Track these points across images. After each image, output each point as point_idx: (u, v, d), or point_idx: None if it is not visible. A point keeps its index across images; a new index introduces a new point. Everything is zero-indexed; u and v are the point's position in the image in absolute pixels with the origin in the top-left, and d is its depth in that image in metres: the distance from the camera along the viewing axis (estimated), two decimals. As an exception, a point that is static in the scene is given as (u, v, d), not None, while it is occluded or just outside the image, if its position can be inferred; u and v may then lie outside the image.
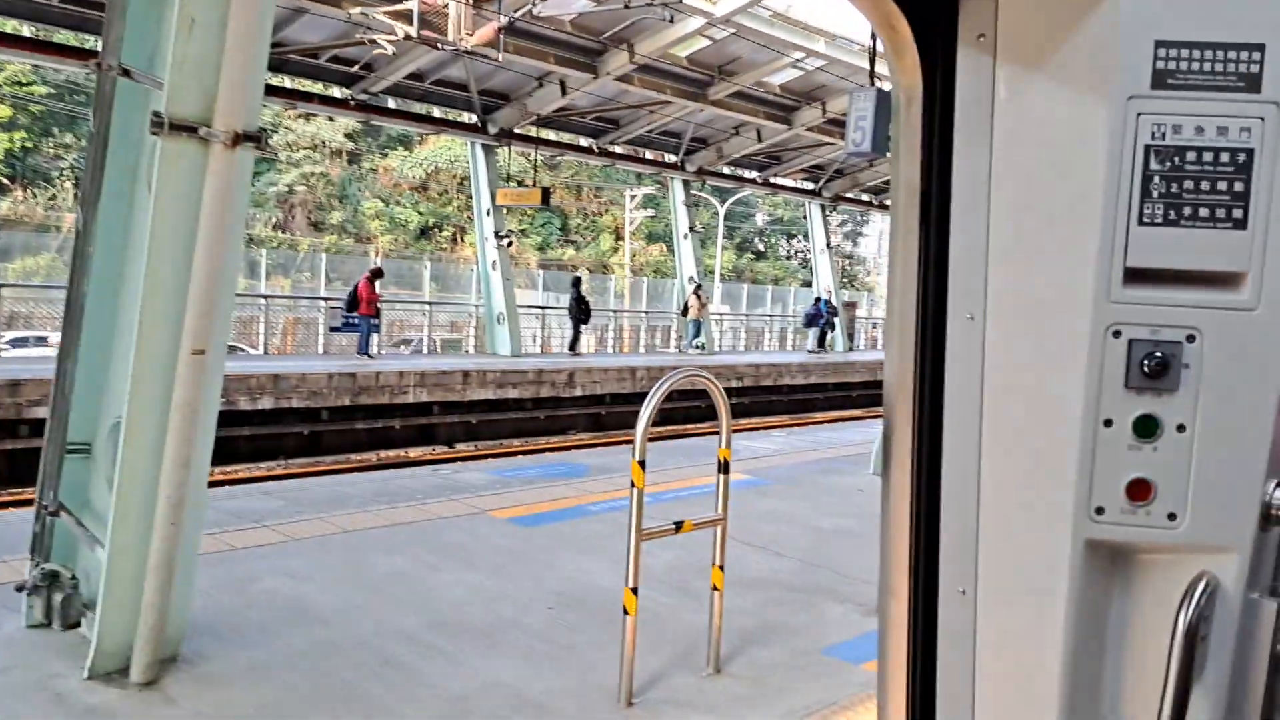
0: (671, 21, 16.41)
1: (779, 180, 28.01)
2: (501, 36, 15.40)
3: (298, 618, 4.91)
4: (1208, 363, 1.20)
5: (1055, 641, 1.26)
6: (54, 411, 4.65)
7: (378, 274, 19.72)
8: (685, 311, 25.10)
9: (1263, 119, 1.16)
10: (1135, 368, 1.21)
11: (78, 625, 4.51)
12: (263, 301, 22.76)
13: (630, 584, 4.10)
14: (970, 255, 1.32)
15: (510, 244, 21.59)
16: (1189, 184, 1.19)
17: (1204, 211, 1.18)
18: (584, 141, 22.68)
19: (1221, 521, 1.21)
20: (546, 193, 21.35)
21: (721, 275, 42.55)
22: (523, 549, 6.42)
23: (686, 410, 18.43)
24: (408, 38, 14.98)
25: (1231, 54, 1.16)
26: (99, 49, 4.49)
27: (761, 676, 4.52)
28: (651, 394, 4.13)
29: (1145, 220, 1.20)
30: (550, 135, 22.48)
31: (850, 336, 31.47)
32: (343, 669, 4.34)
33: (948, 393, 1.35)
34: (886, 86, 7.86)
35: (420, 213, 41.01)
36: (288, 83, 18.08)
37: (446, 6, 15.27)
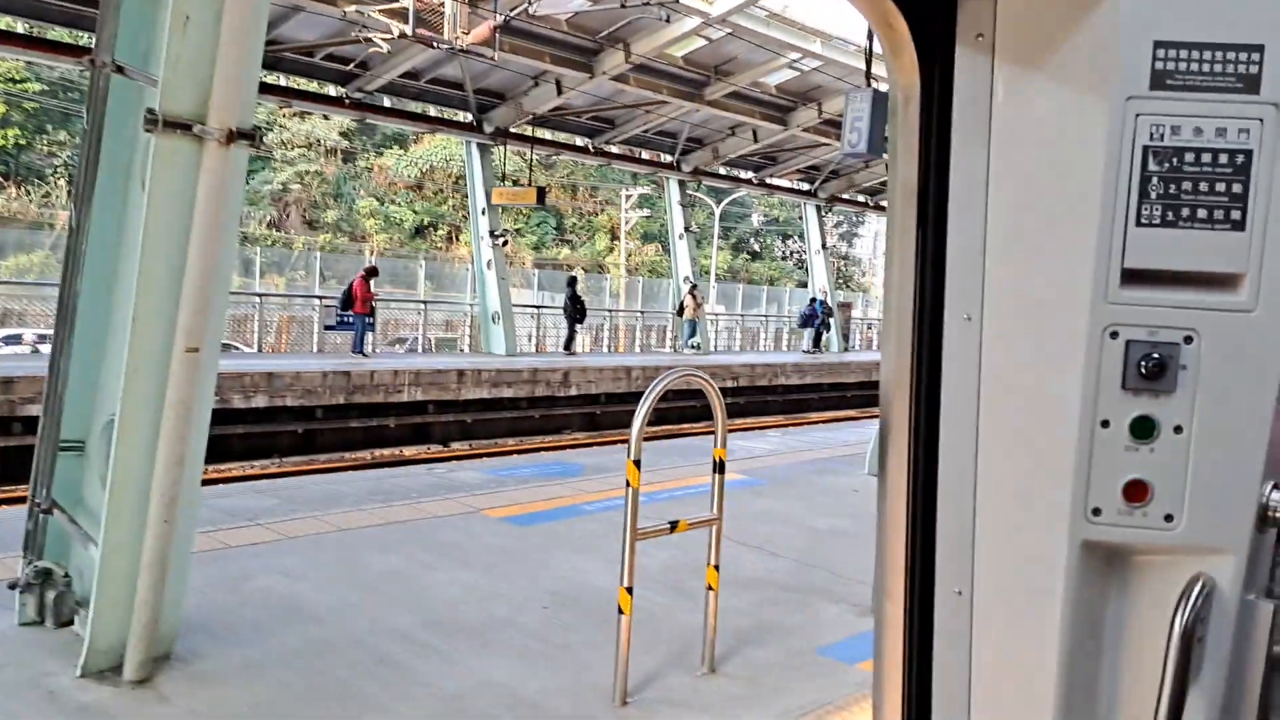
0: (668, 21, 16.41)
1: (775, 181, 28.02)
2: (497, 35, 15.37)
3: (292, 616, 4.90)
4: (1205, 364, 1.20)
5: (1052, 643, 1.26)
6: (47, 409, 4.63)
7: (372, 272, 19.68)
8: (681, 311, 25.09)
9: (1261, 120, 1.16)
10: (1132, 369, 1.21)
11: (71, 623, 4.49)
12: (257, 300, 22.69)
13: (625, 583, 4.10)
14: (968, 255, 1.31)
15: (505, 243, 21.58)
16: (1187, 185, 1.18)
17: (1202, 213, 1.18)
18: (580, 141, 22.66)
19: (1218, 523, 1.21)
20: (542, 192, 21.34)
21: (717, 275, 42.55)
22: (517, 548, 6.41)
23: (682, 410, 18.42)
24: (403, 36, 14.95)
25: (1230, 55, 1.16)
26: (93, 46, 4.47)
27: (756, 676, 4.52)
28: (647, 393, 4.12)
29: (1143, 221, 1.20)
30: (546, 135, 22.46)
31: (845, 337, 31.49)
32: (337, 667, 4.33)
33: (945, 393, 1.35)
34: (883, 87, 7.87)
35: (415, 211, 40.95)
36: (283, 81, 18.06)
37: (442, 5, 15.24)
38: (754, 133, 22.68)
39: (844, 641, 5.00)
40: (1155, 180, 1.19)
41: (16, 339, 19.74)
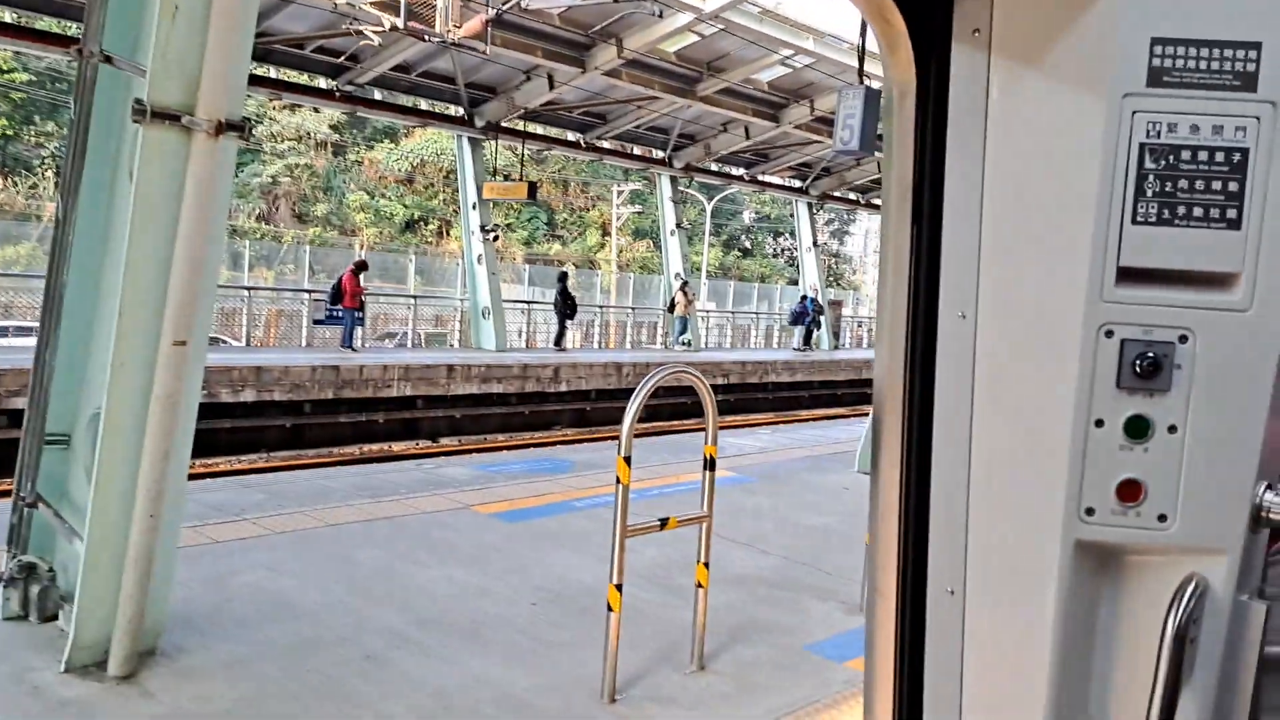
0: (660, 16, 16.38)
1: (766, 178, 28.02)
2: (489, 29, 15.33)
3: (278, 612, 4.88)
4: (1200, 364, 1.19)
5: (1044, 642, 1.25)
6: (32, 402, 4.60)
7: (362, 267, 19.62)
8: (672, 308, 25.09)
9: (1258, 118, 1.15)
10: (1127, 368, 1.20)
11: (55, 618, 4.46)
12: (246, 293, 22.60)
13: (615, 580, 4.09)
14: (962, 252, 1.31)
15: (496, 238, 21.53)
16: (1183, 183, 1.18)
17: (1198, 211, 1.18)
18: (571, 136, 22.61)
19: (1212, 523, 1.21)
20: (533, 187, 21.30)
21: (708, 272, 42.56)
22: (506, 544, 6.39)
23: (673, 407, 18.43)
24: (394, 29, 14.89)
25: (1228, 52, 1.15)
26: (81, 35, 4.43)
27: (745, 674, 4.52)
28: (638, 389, 4.11)
29: (1139, 219, 1.19)
30: (537, 129, 22.40)
31: (836, 335, 31.55)
32: (324, 664, 4.31)
33: (938, 391, 1.34)
34: (875, 85, 7.87)
35: (406, 206, 40.83)
36: (273, 73, 17.96)
37: (434, -2, 15.19)
38: (746, 129, 22.68)
39: (833, 639, 5.01)
40: (1151, 178, 1.18)
41: (3, 331, 19.61)
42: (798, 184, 28.66)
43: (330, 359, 16.33)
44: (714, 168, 26.08)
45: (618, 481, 4.07)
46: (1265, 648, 1.24)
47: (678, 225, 25.33)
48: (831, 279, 45.77)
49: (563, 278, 23.79)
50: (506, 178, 21.81)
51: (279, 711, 3.88)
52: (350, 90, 18.20)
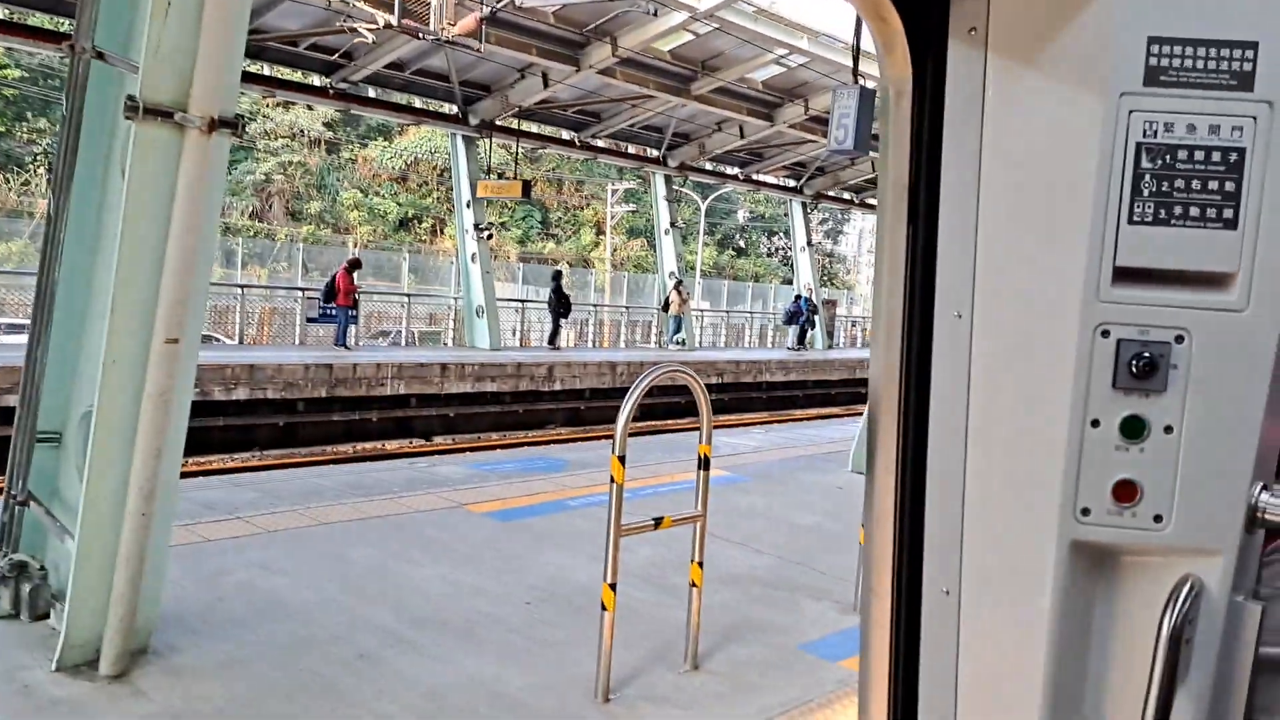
0: (655, 15, 16.36)
1: (761, 177, 28.03)
2: (483, 27, 15.29)
3: (271, 611, 4.86)
4: (1196, 364, 1.19)
5: (1039, 643, 1.25)
6: (24, 399, 4.57)
7: (356, 265, 19.59)
8: (666, 307, 25.09)
9: (1255, 118, 1.15)
10: (1123, 368, 1.20)
11: (46, 616, 4.44)
12: (239, 291, 22.54)
13: (609, 580, 4.08)
14: (958, 252, 1.30)
15: (490, 237, 21.50)
16: (1180, 183, 1.17)
17: (1195, 211, 1.17)
18: (566, 135, 22.58)
19: (1207, 524, 1.20)
20: (527, 185, 21.27)
21: (702, 271, 42.59)
22: (500, 543, 6.39)
23: (667, 406, 18.42)
24: (388, 26, 14.85)
25: (1224, 51, 1.15)
26: (73, 31, 4.41)
27: (739, 673, 4.52)
28: (633, 388, 4.11)
29: (1135, 219, 1.18)
30: (532, 128, 22.37)
31: (830, 334, 31.58)
32: (316, 663, 4.30)
33: (934, 391, 1.33)
34: (870, 84, 7.87)
35: (399, 204, 40.76)
36: (266, 70, 17.93)
37: (428, -4, 15.15)
38: (740, 128, 22.67)
39: (826, 638, 5.01)
40: (1148, 178, 1.18)
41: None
42: (792, 183, 28.67)
43: (323, 357, 16.29)
44: (708, 167, 26.08)
45: (612, 480, 4.07)
46: (1260, 648, 1.24)
47: (672, 224, 25.31)
48: (826, 278, 45.81)
49: (557, 276, 23.78)
50: (501, 176, 21.82)
51: (272, 711, 3.87)
52: (344, 88, 18.15)
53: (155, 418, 3.93)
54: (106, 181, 4.40)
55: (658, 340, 28.10)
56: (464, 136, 20.23)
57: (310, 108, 34.93)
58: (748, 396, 22.99)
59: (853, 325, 41.06)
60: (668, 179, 25.03)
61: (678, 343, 25.06)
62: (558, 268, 28.53)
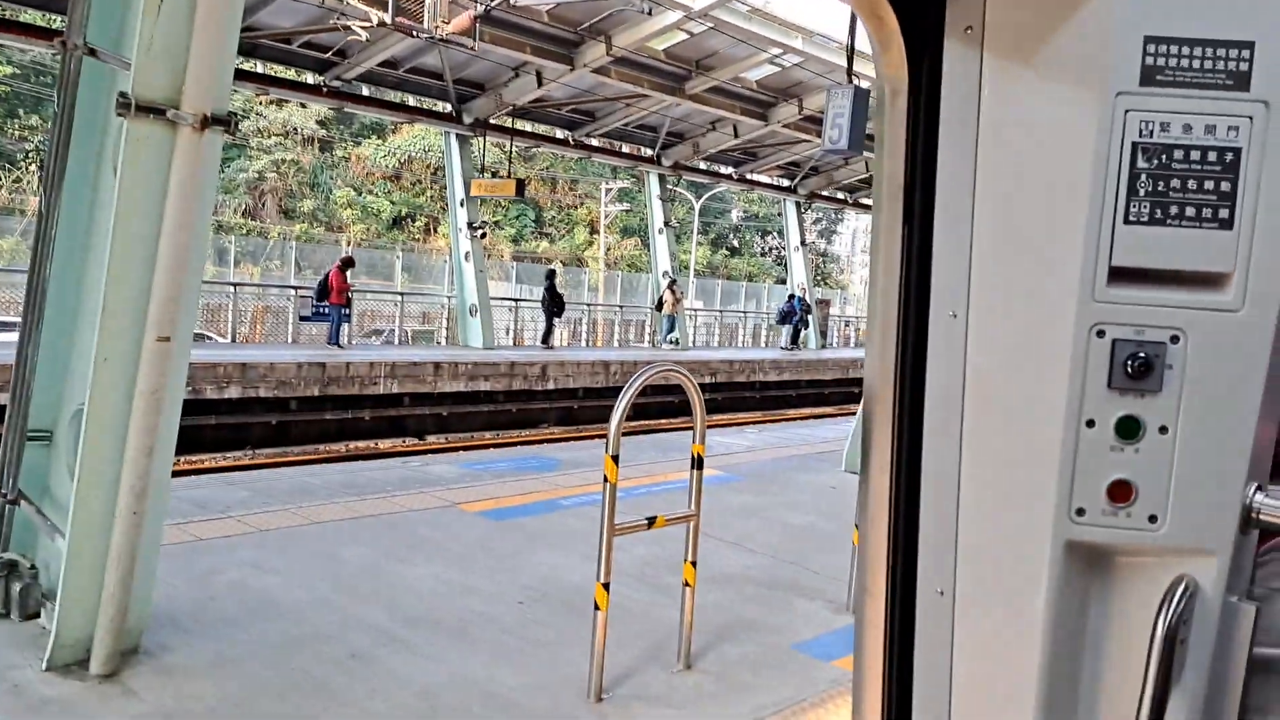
0: (649, 14, 16.36)
1: (755, 176, 28.04)
2: (477, 25, 15.26)
3: (263, 610, 4.84)
4: (1191, 364, 1.19)
5: (1034, 643, 1.25)
6: (14, 397, 4.55)
7: (349, 263, 19.55)
8: (660, 306, 25.09)
9: (1251, 118, 1.15)
10: (1119, 368, 1.20)
11: (37, 616, 4.42)
12: (231, 289, 22.48)
13: (602, 579, 4.08)
14: (953, 251, 1.30)
15: (484, 235, 21.47)
16: (1176, 183, 1.17)
17: (1190, 211, 1.17)
18: (560, 133, 22.56)
19: (1202, 524, 1.20)
20: (521, 184, 21.24)
21: (696, 271, 42.60)
22: (493, 543, 6.38)
23: (661, 405, 18.42)
24: (382, 24, 14.81)
25: (1221, 51, 1.15)
26: (64, 28, 4.38)
27: (731, 672, 4.52)
28: (627, 388, 4.10)
29: (1131, 219, 1.18)
30: (526, 126, 22.35)
31: (823, 334, 31.61)
32: (308, 662, 4.28)
33: (929, 391, 1.33)
34: (864, 84, 7.88)
35: (393, 202, 40.68)
36: (259, 68, 17.85)
37: (422, -6, 15.11)
38: (734, 128, 22.68)
39: (819, 638, 5.01)
40: (1144, 177, 1.18)
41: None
42: (786, 183, 28.69)
43: (316, 356, 16.25)
44: (702, 166, 26.08)
45: (605, 480, 4.06)
46: (1254, 649, 1.24)
47: (666, 223, 25.32)
48: (819, 278, 45.84)
49: (550, 275, 23.77)
50: (494, 175, 21.77)
51: (264, 710, 3.85)
52: (337, 86, 18.11)
53: (147, 416, 3.91)
54: (98, 179, 4.38)
55: (651, 340, 28.10)
56: (458, 135, 20.20)
57: (304, 106, 34.83)
58: (741, 396, 23.01)
59: (846, 325, 41.13)
60: (662, 178, 25.03)
61: (671, 342, 25.06)
62: (551, 267, 28.53)
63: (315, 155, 39.63)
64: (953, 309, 1.30)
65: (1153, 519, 1.21)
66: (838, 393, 25.14)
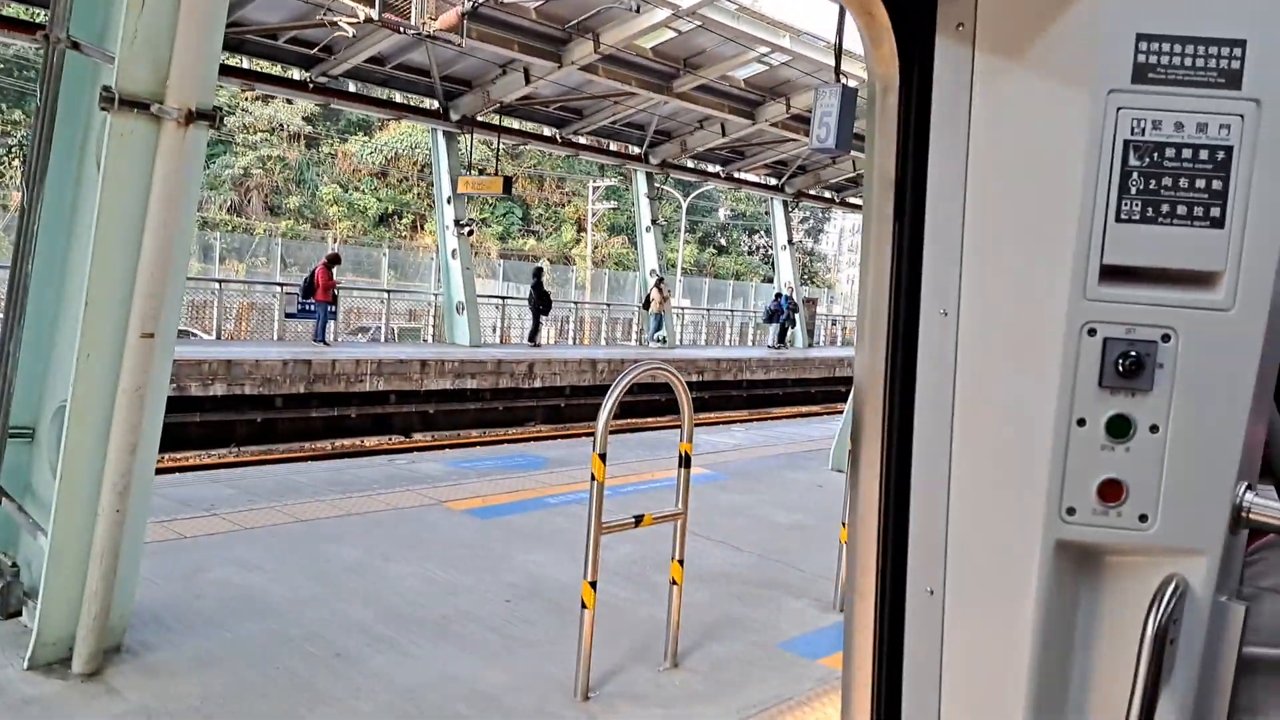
0: (638, 12, 16.34)
1: (742, 175, 28.07)
2: (465, 22, 15.22)
3: (247, 608, 4.81)
4: (1182, 363, 1.18)
5: (1024, 643, 1.25)
6: (-5, 394, 4.50)
7: (335, 260, 19.48)
8: (647, 305, 25.09)
9: (1242, 116, 1.15)
10: (1110, 367, 1.19)
11: (18, 614, 4.38)
12: (217, 286, 22.36)
13: (589, 577, 4.07)
14: (944, 249, 1.29)
15: (471, 233, 21.41)
16: (1167, 181, 1.17)
17: (1182, 209, 1.17)
18: (547, 131, 22.51)
19: (1192, 524, 1.20)
20: (508, 181, 21.20)
21: (683, 269, 42.62)
22: (479, 541, 6.35)
23: (648, 403, 18.42)
24: (369, 20, 14.75)
25: (1213, 49, 1.14)
26: (48, 21, 4.34)
27: (718, 671, 4.51)
28: (614, 386, 4.09)
29: (1123, 217, 1.18)
30: (513, 124, 22.31)
31: (810, 333, 31.67)
32: (293, 660, 4.26)
33: (919, 389, 1.32)
34: (852, 83, 7.88)
35: (379, 199, 40.55)
36: (245, 63, 17.76)
37: (410, -10, 15.05)
38: (722, 126, 22.68)
39: (806, 636, 5.01)
40: (1135, 175, 1.17)
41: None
42: (773, 182, 28.72)
43: (302, 353, 16.18)
44: (690, 164, 26.08)
45: (592, 478, 4.05)
46: (1244, 648, 1.24)
47: (653, 222, 25.31)
48: (806, 277, 45.95)
49: (537, 273, 23.73)
50: (482, 172, 21.74)
51: (247, 709, 3.83)
52: (324, 82, 18.01)
53: (130, 413, 3.88)
54: (81, 174, 4.34)
55: (638, 338, 28.09)
56: (445, 132, 20.14)
57: (290, 101, 34.67)
58: (728, 394, 23.03)
59: (833, 324, 41.25)
60: (649, 176, 25.02)
61: (658, 340, 25.06)
62: (538, 264, 28.49)
63: (301, 152, 39.45)
64: (943, 307, 1.30)
65: (1143, 518, 1.21)
66: (824, 391, 25.19)
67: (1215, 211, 1.16)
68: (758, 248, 53.93)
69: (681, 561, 4.52)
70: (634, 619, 5.03)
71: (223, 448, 14.20)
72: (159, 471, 4.49)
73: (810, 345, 30.92)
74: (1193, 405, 1.19)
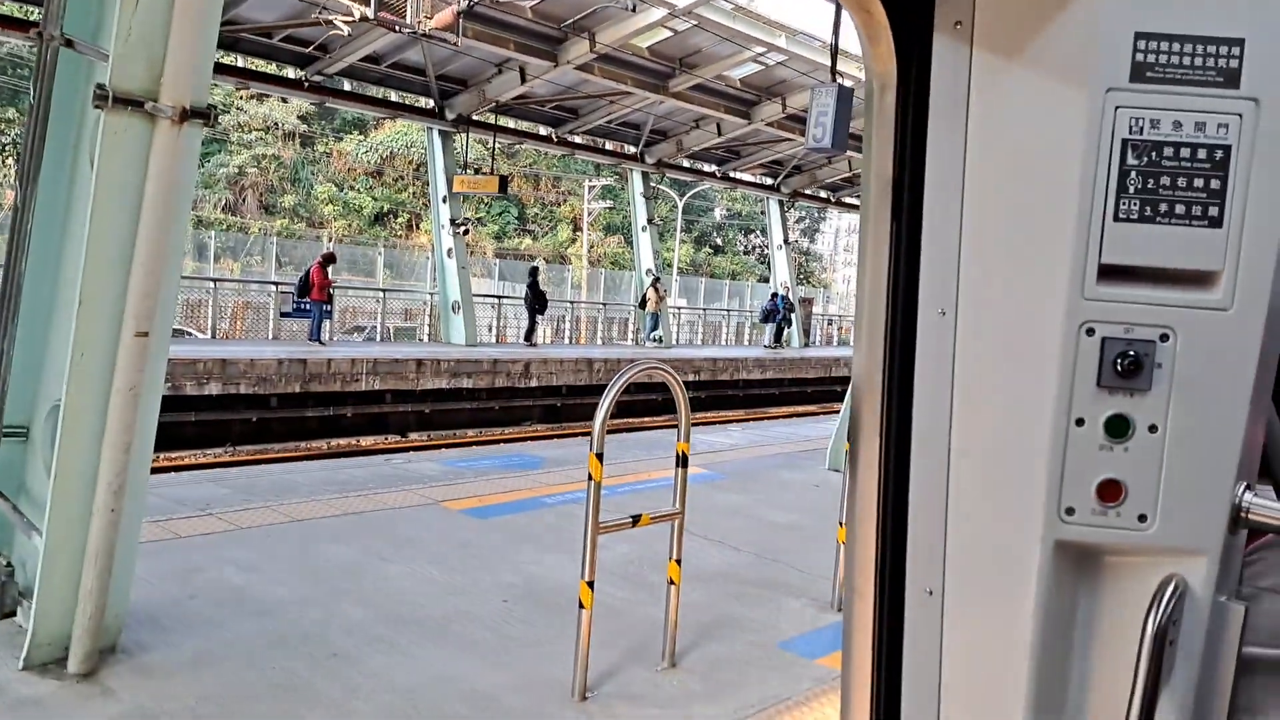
0: (634, 11, 16.33)
1: (738, 175, 28.07)
2: (461, 20, 15.19)
3: (243, 608, 4.80)
4: (1180, 363, 1.18)
5: (1023, 643, 1.24)
6: (-11, 394, 4.49)
7: (330, 259, 19.44)
8: (643, 304, 25.08)
9: (1240, 115, 1.14)
10: (1108, 366, 1.19)
11: (13, 614, 4.36)
12: (211, 285, 22.31)
13: (586, 577, 4.06)
14: (942, 248, 1.29)
15: (467, 232, 21.40)
16: (1166, 180, 1.16)
17: (1180, 209, 1.16)
18: (543, 130, 22.49)
19: (1191, 524, 1.20)
20: (504, 181, 21.18)
21: (679, 269, 42.63)
22: (476, 541, 6.34)
23: (645, 403, 18.41)
24: (364, 19, 14.72)
25: (1211, 48, 1.14)
26: (41, 18, 4.32)
27: (716, 671, 4.51)
28: (611, 385, 4.08)
29: (1121, 216, 1.17)
30: (509, 123, 22.28)
31: (806, 332, 31.69)
32: (289, 661, 4.25)
33: (917, 389, 1.32)
34: (848, 83, 7.88)
35: (375, 198, 40.49)
36: (240, 62, 17.70)
37: (405, -12, 15.03)
38: (718, 126, 22.68)
39: (804, 636, 5.01)
40: (1134, 174, 1.17)
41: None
42: (769, 181, 28.72)
43: (297, 352, 16.15)
44: (686, 164, 26.07)
45: (589, 478, 4.04)
46: (1243, 648, 1.24)
47: (649, 221, 25.30)
48: (802, 277, 45.97)
49: (533, 273, 23.73)
50: (477, 171, 21.69)
51: (243, 710, 3.82)
52: (319, 80, 17.98)
53: (124, 412, 3.86)
54: (75, 172, 4.32)
55: (634, 337, 28.08)
56: (440, 131, 20.11)
57: (285, 100, 34.60)
58: (725, 394, 23.03)
59: (829, 324, 41.27)
60: (645, 176, 25.01)
61: (655, 340, 25.06)
62: (534, 264, 28.48)
63: (296, 150, 39.38)
64: (941, 306, 1.29)
65: (1142, 518, 1.21)
66: (821, 391, 25.21)
67: (1214, 211, 1.16)
68: (754, 247, 53.94)
69: (679, 561, 4.51)
70: (631, 619, 5.02)
71: (218, 447, 14.17)
72: (154, 471, 4.47)
73: (806, 345, 30.94)
74: (1191, 405, 1.18)
